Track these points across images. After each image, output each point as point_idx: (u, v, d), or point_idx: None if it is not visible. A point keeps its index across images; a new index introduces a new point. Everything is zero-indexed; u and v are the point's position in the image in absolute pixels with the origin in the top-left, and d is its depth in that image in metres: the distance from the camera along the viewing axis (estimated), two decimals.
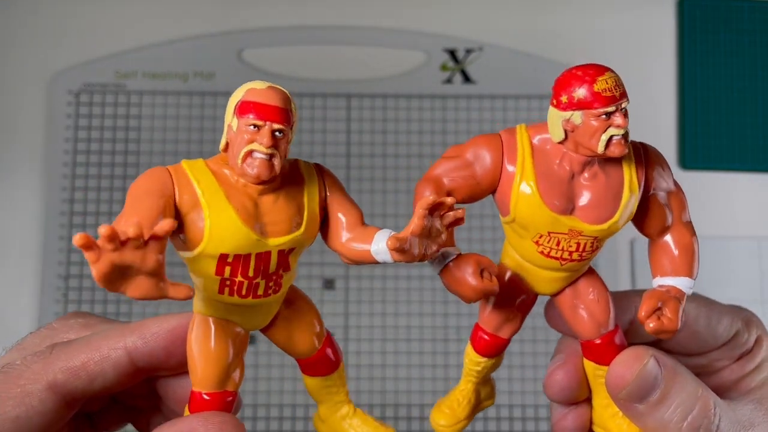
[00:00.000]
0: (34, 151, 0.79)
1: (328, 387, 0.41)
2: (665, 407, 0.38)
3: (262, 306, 0.36)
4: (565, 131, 0.36)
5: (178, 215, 0.33)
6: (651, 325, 0.36)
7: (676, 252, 0.38)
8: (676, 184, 0.39)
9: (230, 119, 0.34)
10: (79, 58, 0.80)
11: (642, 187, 0.37)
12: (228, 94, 0.34)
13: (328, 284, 0.77)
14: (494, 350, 0.43)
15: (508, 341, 0.43)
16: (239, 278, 0.34)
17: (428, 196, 0.33)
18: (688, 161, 0.80)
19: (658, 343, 0.43)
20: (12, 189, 0.78)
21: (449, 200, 0.34)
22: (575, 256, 0.38)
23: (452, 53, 0.81)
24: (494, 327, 0.42)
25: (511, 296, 0.41)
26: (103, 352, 0.37)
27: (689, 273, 0.38)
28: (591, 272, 0.41)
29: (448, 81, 0.81)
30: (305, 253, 0.38)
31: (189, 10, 0.82)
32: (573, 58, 0.81)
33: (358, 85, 0.80)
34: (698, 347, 0.43)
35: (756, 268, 0.78)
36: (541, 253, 0.38)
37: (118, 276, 0.29)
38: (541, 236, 0.37)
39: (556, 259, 0.38)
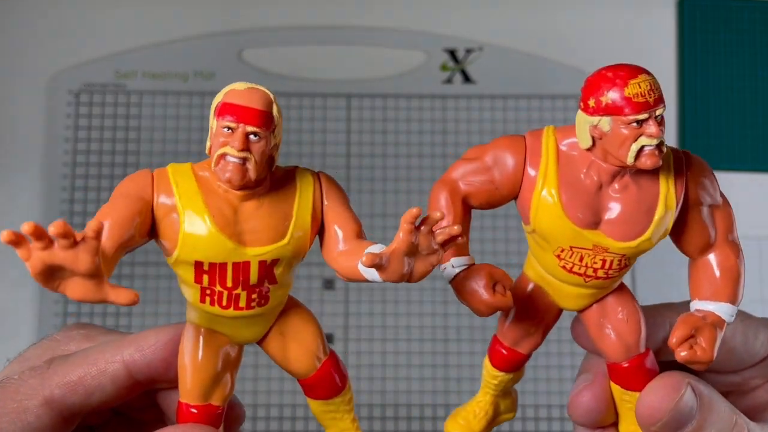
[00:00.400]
0: (34, 151, 0.79)
1: (331, 412, 0.39)
2: None
3: (248, 319, 0.35)
4: (593, 138, 0.32)
5: (156, 219, 0.32)
6: (683, 354, 0.33)
7: (717, 274, 0.35)
8: (723, 197, 0.35)
9: (212, 121, 0.32)
10: (79, 58, 0.80)
11: (681, 202, 0.34)
12: None
13: (328, 284, 0.76)
14: (512, 365, 0.40)
15: (527, 357, 0.40)
16: (218, 288, 0.33)
17: (412, 209, 0.29)
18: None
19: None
20: (12, 189, 0.78)
21: (437, 215, 0.30)
22: (600, 273, 0.35)
23: (452, 53, 0.81)
24: (512, 341, 0.39)
25: (533, 310, 0.38)
26: (100, 366, 0.36)
27: (731, 298, 0.35)
28: (622, 288, 0.38)
29: (448, 81, 0.81)
30: None
31: (189, 10, 0.82)
32: (573, 58, 0.81)
33: (358, 85, 0.80)
34: (734, 365, 0.40)
35: (756, 268, 0.78)
36: (563, 267, 0.35)
37: (51, 276, 0.28)
38: (562, 250, 0.34)
39: (580, 275, 0.35)
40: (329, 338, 0.76)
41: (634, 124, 0.31)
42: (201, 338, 0.35)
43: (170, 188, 0.33)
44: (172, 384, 0.37)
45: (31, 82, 0.80)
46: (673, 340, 0.34)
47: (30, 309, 0.76)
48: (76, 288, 0.28)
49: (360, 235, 0.34)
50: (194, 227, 0.32)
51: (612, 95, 0.31)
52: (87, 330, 0.40)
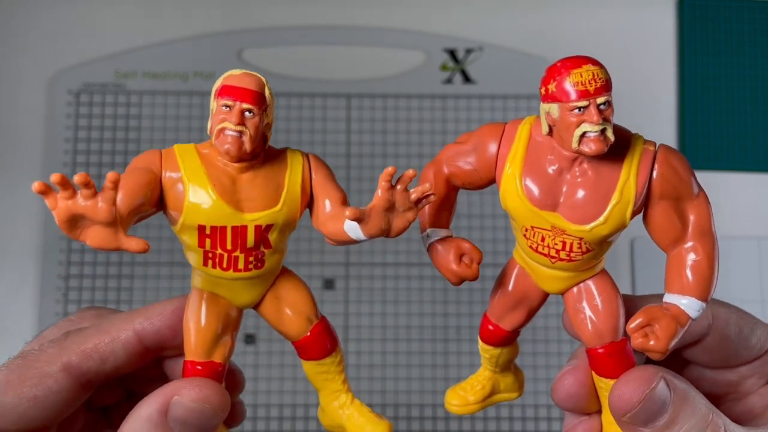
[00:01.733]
0: (34, 151, 0.79)
1: (323, 373, 0.42)
2: None
3: (246, 281, 0.38)
4: (549, 125, 0.35)
5: (164, 191, 0.36)
6: (637, 341, 0.34)
7: (686, 268, 0.35)
8: (700, 191, 0.36)
9: (212, 103, 0.37)
10: (79, 58, 0.80)
11: (643, 194, 0.35)
12: None
13: (328, 284, 0.77)
14: (496, 340, 0.43)
15: (509, 333, 0.42)
16: (219, 251, 0.37)
17: (388, 167, 0.33)
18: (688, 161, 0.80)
19: (685, 349, 0.41)
20: (12, 189, 0.78)
21: (410, 172, 0.34)
22: (563, 255, 0.36)
23: (452, 53, 0.81)
24: (497, 317, 0.42)
25: (515, 290, 0.41)
26: (112, 334, 0.39)
27: (698, 293, 0.35)
28: (602, 275, 0.39)
29: (448, 81, 0.81)
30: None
31: (189, 10, 0.82)
32: None
33: (358, 85, 0.80)
34: (728, 356, 0.40)
35: (756, 268, 0.78)
36: (530, 247, 0.37)
37: (74, 224, 0.31)
38: (526, 230, 0.37)
39: (545, 255, 0.37)
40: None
41: (576, 111, 0.33)
42: (204, 300, 0.38)
43: (176, 163, 0.37)
44: (179, 351, 0.39)
45: (31, 82, 0.80)
46: (629, 326, 0.35)
47: (30, 309, 0.76)
48: (95, 235, 0.32)
49: (345, 202, 0.38)
50: (197, 196, 0.36)
51: (557, 83, 0.34)
52: (98, 311, 0.43)
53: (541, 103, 0.35)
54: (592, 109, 0.33)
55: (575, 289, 0.39)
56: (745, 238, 0.79)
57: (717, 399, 0.42)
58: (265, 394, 0.74)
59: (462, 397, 0.45)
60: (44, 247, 0.76)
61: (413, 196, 0.35)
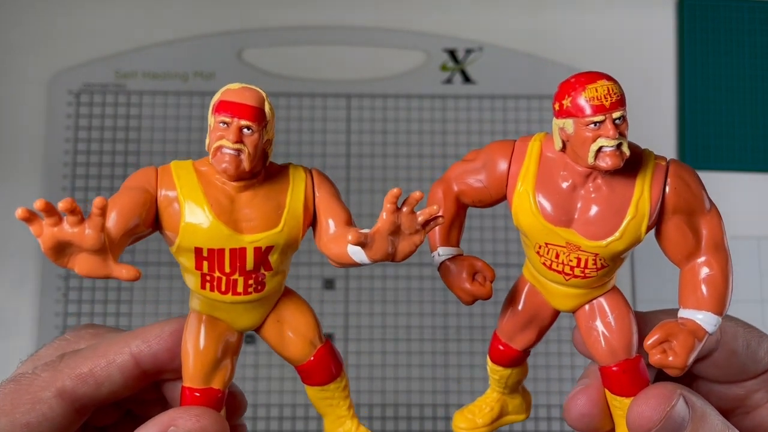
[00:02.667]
0: (34, 151, 0.79)
1: (327, 399, 0.40)
2: None
3: (246, 305, 0.37)
4: (563, 140, 0.35)
5: (159, 210, 0.35)
6: (656, 357, 0.34)
7: (701, 283, 0.35)
8: (712, 205, 0.36)
9: (210, 119, 0.35)
10: (79, 58, 0.80)
11: (657, 208, 0.35)
12: None
13: (328, 284, 0.77)
14: (507, 360, 0.42)
15: (521, 353, 0.42)
16: (217, 273, 0.35)
17: (393, 189, 0.32)
18: (688, 161, 0.80)
19: (693, 363, 0.40)
20: (12, 189, 0.78)
21: (416, 194, 0.33)
22: (577, 272, 0.36)
23: (452, 53, 0.81)
24: (507, 337, 0.41)
25: (526, 308, 0.40)
26: (109, 357, 0.38)
27: (713, 307, 0.35)
28: (614, 292, 0.39)
29: (448, 81, 0.81)
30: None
31: (189, 10, 0.82)
32: (573, 59, 0.81)
33: (358, 85, 0.81)
34: (736, 371, 0.40)
35: (756, 268, 0.78)
36: (544, 264, 0.37)
37: (61, 251, 0.30)
38: (540, 247, 0.36)
39: (559, 273, 0.37)
40: (329, 338, 0.76)
41: (592, 126, 0.33)
42: (203, 324, 0.37)
43: (172, 181, 0.35)
44: (177, 374, 0.38)
45: (31, 82, 0.80)
46: (647, 342, 0.34)
47: (30, 309, 0.76)
48: (83, 263, 0.31)
49: (349, 222, 0.36)
50: (194, 216, 0.35)
51: (572, 99, 0.33)
52: (95, 329, 0.41)
53: (555, 118, 0.35)
54: (608, 124, 0.33)
55: (587, 306, 0.38)
56: (745, 238, 0.79)
57: (725, 413, 0.42)
58: (265, 394, 0.74)
59: (470, 420, 0.45)
60: None
61: (420, 219, 0.33)
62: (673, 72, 0.83)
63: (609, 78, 0.34)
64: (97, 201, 0.30)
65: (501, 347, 0.42)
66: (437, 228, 0.39)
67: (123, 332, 0.40)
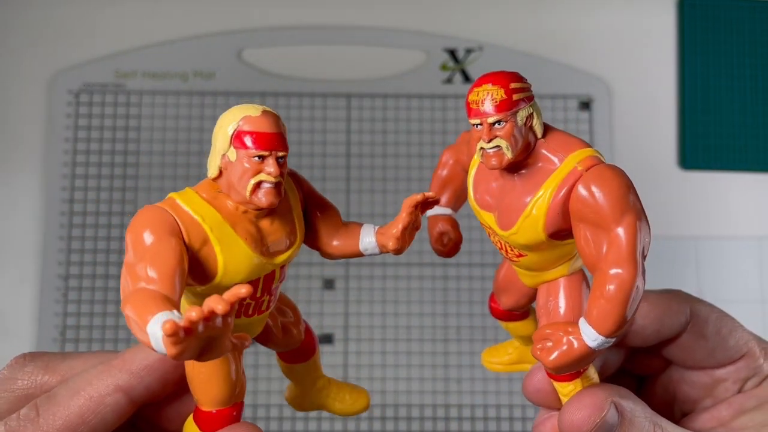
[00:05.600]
0: (34, 151, 0.79)
1: (308, 368, 0.42)
2: None
3: (261, 319, 0.37)
4: None
5: (188, 254, 0.32)
6: (536, 352, 0.35)
7: (594, 296, 0.33)
8: (624, 218, 0.33)
9: (226, 148, 0.33)
10: (79, 58, 0.80)
11: (560, 211, 0.34)
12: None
13: (328, 284, 0.76)
14: (498, 314, 0.45)
15: (507, 312, 0.44)
16: (247, 300, 0.35)
17: (416, 195, 0.35)
18: (688, 161, 0.80)
19: (661, 345, 0.41)
20: (12, 189, 0.78)
21: (431, 194, 0.36)
22: (506, 253, 0.38)
23: (452, 53, 0.81)
24: (496, 292, 0.44)
25: (505, 276, 0.43)
26: (96, 399, 0.34)
27: (597, 326, 0.33)
28: (574, 277, 0.38)
29: (448, 81, 0.81)
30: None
31: (189, 10, 0.82)
32: (573, 58, 0.81)
33: (358, 85, 0.80)
34: (704, 356, 0.41)
35: (756, 268, 0.78)
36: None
37: (196, 351, 0.28)
38: (483, 226, 0.39)
39: (500, 249, 0.39)
40: (329, 338, 0.76)
41: (475, 127, 0.35)
42: None
43: (196, 222, 0.33)
44: (167, 398, 0.37)
45: (31, 82, 0.80)
46: (534, 334, 0.36)
47: (30, 309, 0.76)
48: (211, 353, 0.28)
49: (341, 219, 0.38)
50: (234, 255, 0.33)
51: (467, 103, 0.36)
52: (42, 360, 0.37)
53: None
54: (485, 127, 0.34)
55: (545, 285, 0.39)
56: (745, 238, 0.79)
57: (692, 402, 0.43)
58: (265, 394, 0.74)
59: (495, 354, 0.48)
60: (44, 247, 0.76)
61: (425, 209, 0.37)
62: (673, 72, 0.83)
63: (496, 81, 0.34)
64: (244, 291, 0.27)
65: (493, 304, 0.45)
66: (433, 182, 0.42)
67: (81, 356, 0.37)
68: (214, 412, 0.36)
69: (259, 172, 0.32)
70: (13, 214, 0.78)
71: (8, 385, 0.36)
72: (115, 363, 0.36)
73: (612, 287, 0.33)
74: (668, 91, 0.82)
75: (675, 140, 0.81)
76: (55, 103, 0.79)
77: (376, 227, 0.37)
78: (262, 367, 0.74)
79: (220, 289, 0.32)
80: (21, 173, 0.78)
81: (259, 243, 0.34)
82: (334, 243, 0.37)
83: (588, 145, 0.35)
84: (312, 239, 0.37)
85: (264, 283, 0.35)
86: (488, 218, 0.37)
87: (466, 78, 0.81)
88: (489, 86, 0.34)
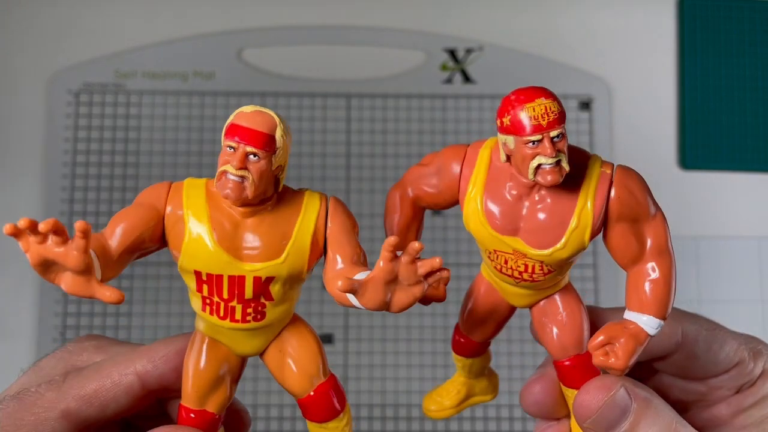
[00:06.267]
0: (34, 151, 0.79)
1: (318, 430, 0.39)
2: None
3: (245, 332, 0.36)
4: (506, 154, 0.35)
5: (166, 228, 0.35)
6: (599, 359, 0.35)
7: (644, 287, 0.36)
8: (657, 210, 0.36)
9: (222, 141, 0.34)
10: (79, 58, 0.80)
11: (600, 217, 0.35)
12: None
13: None
14: (468, 351, 0.44)
15: (480, 345, 0.44)
16: (216, 298, 0.35)
17: (391, 237, 0.30)
18: (688, 161, 0.80)
19: (653, 362, 0.42)
20: (12, 189, 0.78)
21: (416, 245, 0.30)
22: (526, 276, 0.37)
23: (452, 53, 0.81)
24: (467, 330, 0.43)
25: (485, 304, 0.42)
26: (114, 378, 0.37)
27: (656, 312, 0.36)
28: (567, 289, 0.40)
29: (448, 81, 0.81)
30: None
31: (189, 10, 0.82)
32: (573, 58, 0.81)
33: (358, 85, 0.80)
34: (695, 372, 0.41)
35: (756, 268, 0.78)
36: (495, 268, 0.38)
37: (48, 268, 0.31)
38: (490, 252, 0.37)
39: (509, 276, 0.38)
40: (329, 338, 0.76)
41: (530, 144, 0.33)
42: (204, 346, 0.37)
43: (181, 200, 0.35)
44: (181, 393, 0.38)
45: (31, 82, 0.80)
46: (591, 344, 0.36)
47: (30, 309, 0.76)
48: (68, 281, 0.31)
49: (355, 261, 0.34)
50: (196, 238, 0.34)
51: (512, 117, 0.34)
52: (98, 341, 0.41)
53: (498, 133, 0.35)
54: (546, 143, 0.33)
55: (542, 302, 0.40)
56: (745, 238, 0.79)
57: (685, 405, 0.43)
58: (265, 394, 0.74)
59: (438, 402, 0.47)
60: None
61: (421, 270, 0.31)
62: (673, 72, 0.83)
63: (548, 95, 0.34)
64: (79, 224, 0.30)
65: (462, 339, 0.44)
66: (395, 231, 0.39)
67: (126, 346, 0.40)
68: (188, 409, 0.36)
69: (227, 162, 0.33)
70: (13, 214, 0.78)
71: (66, 356, 0.40)
72: (140, 349, 0.39)
73: (664, 273, 0.35)
74: (668, 91, 0.82)
75: (675, 140, 0.81)
76: (55, 103, 0.79)
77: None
78: (262, 367, 0.74)
79: (185, 270, 0.34)
80: (21, 173, 0.78)
81: (228, 238, 0.34)
82: (330, 285, 0.34)
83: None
84: (323, 274, 0.36)
85: (230, 285, 0.34)
86: (514, 243, 0.36)
87: (466, 78, 0.81)
88: (543, 100, 0.34)
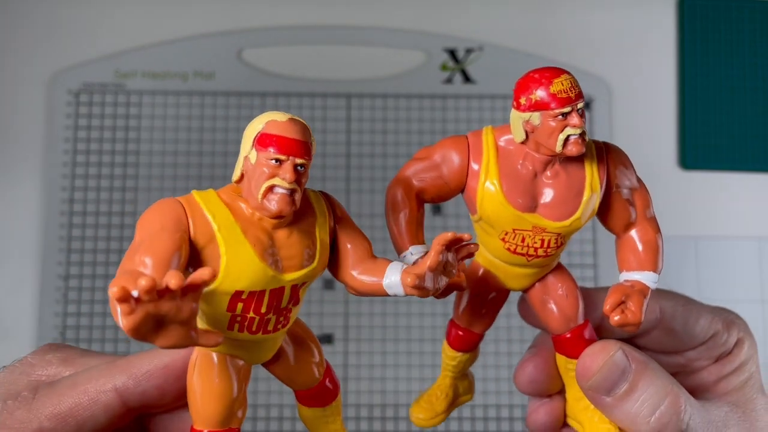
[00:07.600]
0: (34, 151, 0.79)
1: (325, 417, 0.40)
2: (633, 400, 0.38)
3: (268, 341, 0.36)
4: (526, 132, 0.37)
5: (192, 250, 0.32)
6: (616, 318, 0.37)
7: (640, 247, 0.39)
8: (639, 181, 0.40)
9: (248, 151, 0.32)
10: (79, 58, 0.80)
11: (604, 185, 0.38)
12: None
13: (328, 284, 0.76)
14: (468, 345, 0.45)
15: (481, 336, 0.45)
16: (251, 314, 0.33)
17: (447, 233, 0.33)
18: (688, 161, 0.80)
19: (634, 339, 0.43)
20: (12, 189, 0.78)
21: (466, 236, 0.34)
22: (540, 252, 0.39)
23: (452, 53, 0.81)
24: (467, 322, 0.44)
25: (484, 293, 0.43)
26: (91, 395, 0.35)
27: (653, 267, 0.39)
28: (560, 268, 0.42)
29: (448, 81, 0.81)
30: None
31: (189, 10, 0.82)
32: (573, 58, 0.81)
33: (358, 85, 0.80)
34: (674, 345, 0.43)
35: (756, 268, 0.78)
36: (508, 249, 0.39)
37: (150, 327, 0.27)
38: (506, 233, 0.39)
39: (523, 255, 0.39)
40: (329, 338, 0.76)
41: (560, 117, 0.36)
42: (216, 364, 0.35)
43: (205, 217, 0.32)
44: (164, 409, 0.37)
45: (31, 82, 0.80)
46: (607, 307, 0.37)
47: (30, 309, 0.76)
48: (170, 336, 0.28)
49: (372, 253, 0.36)
50: (238, 258, 0.32)
51: (540, 93, 0.36)
52: (63, 353, 0.38)
53: (518, 112, 0.37)
54: (574, 115, 0.36)
55: (537, 284, 0.42)
56: (745, 238, 0.79)
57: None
58: (265, 394, 0.74)
59: (428, 409, 0.47)
60: (44, 247, 0.76)
61: (461, 254, 0.34)
62: (673, 72, 0.83)
63: (568, 72, 0.36)
64: (205, 273, 0.27)
65: (461, 333, 0.45)
66: (404, 227, 0.40)
67: (99, 357, 0.37)
68: (199, 429, 0.34)
69: (274, 176, 0.32)
70: (13, 214, 0.78)
71: (28, 370, 0.36)
72: (119, 363, 0.36)
73: (655, 233, 0.39)
74: (668, 91, 0.82)
75: (675, 140, 0.81)
76: (55, 103, 0.79)
77: (406, 265, 0.34)
78: (262, 368, 0.74)
79: (221, 293, 0.32)
80: (21, 173, 0.78)
81: (269, 252, 0.32)
82: (359, 276, 0.35)
83: None
84: (337, 269, 0.35)
85: (270, 298, 0.33)
86: (533, 218, 0.38)
87: (466, 78, 0.81)
88: (566, 75, 0.36)
